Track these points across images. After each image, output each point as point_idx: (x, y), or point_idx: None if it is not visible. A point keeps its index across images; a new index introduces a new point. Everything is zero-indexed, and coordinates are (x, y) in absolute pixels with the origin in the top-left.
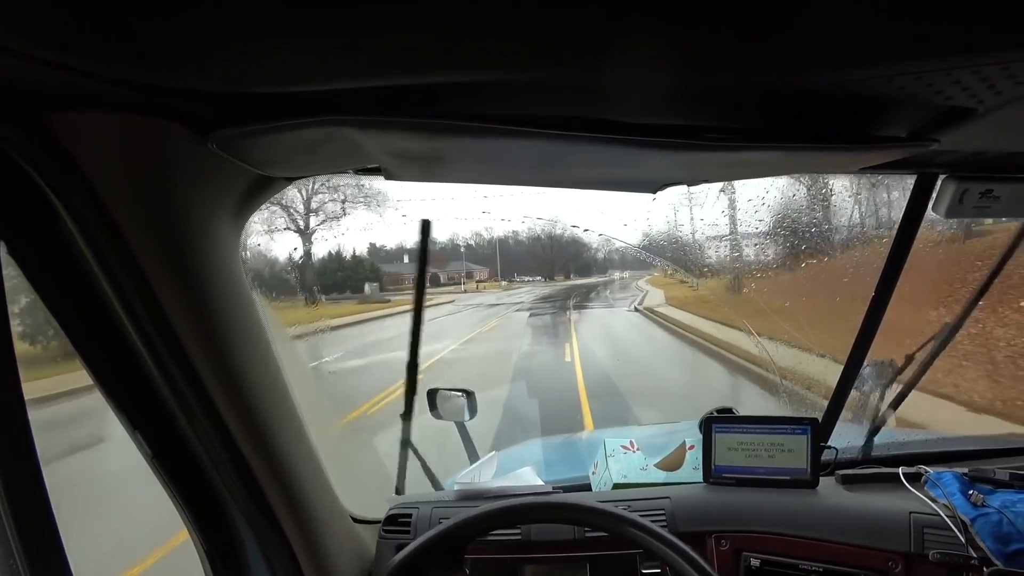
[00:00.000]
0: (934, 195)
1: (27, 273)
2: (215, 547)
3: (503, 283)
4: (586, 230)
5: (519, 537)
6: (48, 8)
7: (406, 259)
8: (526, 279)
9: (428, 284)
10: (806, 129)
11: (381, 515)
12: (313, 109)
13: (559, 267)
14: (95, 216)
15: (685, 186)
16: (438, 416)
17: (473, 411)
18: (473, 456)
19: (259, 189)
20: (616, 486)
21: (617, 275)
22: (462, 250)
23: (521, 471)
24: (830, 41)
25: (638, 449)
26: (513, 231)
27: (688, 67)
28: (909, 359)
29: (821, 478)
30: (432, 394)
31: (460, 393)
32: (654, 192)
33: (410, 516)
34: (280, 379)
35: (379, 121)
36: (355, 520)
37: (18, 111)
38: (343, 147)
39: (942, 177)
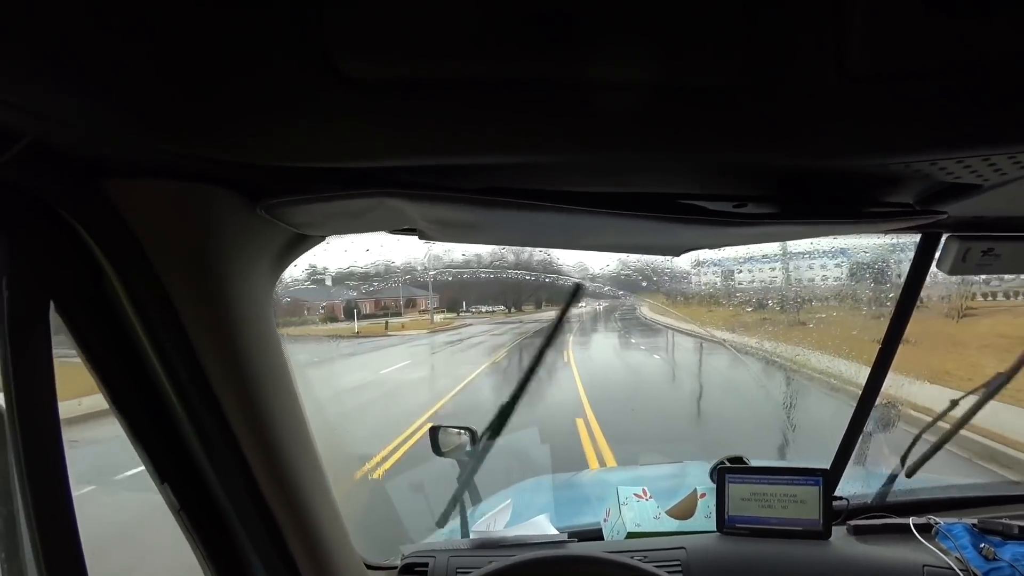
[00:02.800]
0: (938, 253)
1: (71, 328)
2: None
3: (439, 317)
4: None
5: None
6: (108, 87)
7: (308, 284)
8: (482, 309)
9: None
10: (824, 204)
11: (393, 560)
12: (360, 183)
13: (527, 294)
14: (140, 273)
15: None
16: (440, 454)
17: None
18: (475, 496)
19: (296, 245)
20: (630, 535)
21: (597, 305)
22: (411, 276)
23: (536, 520)
24: (853, 132)
25: (650, 497)
26: (476, 253)
27: (714, 150)
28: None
29: (833, 528)
30: (434, 431)
31: (462, 431)
32: (676, 255)
33: (426, 565)
34: (305, 428)
35: (424, 195)
36: (368, 566)
37: (75, 177)
38: (386, 214)
39: (946, 236)
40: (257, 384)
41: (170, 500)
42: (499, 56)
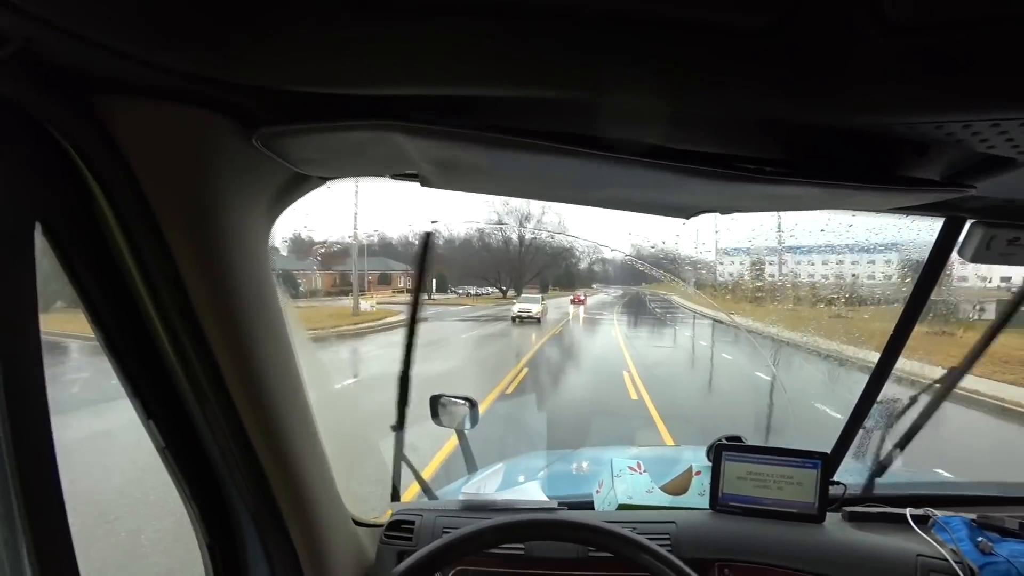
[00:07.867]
0: (961, 239)
1: (57, 252)
2: (217, 541)
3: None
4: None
5: (521, 552)
6: None
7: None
8: (470, 292)
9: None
10: (847, 167)
11: (381, 518)
12: (363, 112)
13: (530, 274)
14: (131, 199)
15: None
16: (439, 423)
17: (475, 420)
18: (471, 465)
19: (294, 187)
20: (621, 507)
21: (608, 291)
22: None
23: (525, 486)
24: (885, 86)
25: (644, 471)
26: (477, 229)
27: (739, 98)
28: (914, 400)
29: (828, 513)
30: (435, 400)
31: (463, 401)
32: (687, 217)
33: (413, 523)
34: (297, 378)
35: (428, 129)
36: (356, 523)
37: (66, 92)
38: (387, 152)
39: (970, 222)
40: (249, 325)
41: (155, 438)
42: None
